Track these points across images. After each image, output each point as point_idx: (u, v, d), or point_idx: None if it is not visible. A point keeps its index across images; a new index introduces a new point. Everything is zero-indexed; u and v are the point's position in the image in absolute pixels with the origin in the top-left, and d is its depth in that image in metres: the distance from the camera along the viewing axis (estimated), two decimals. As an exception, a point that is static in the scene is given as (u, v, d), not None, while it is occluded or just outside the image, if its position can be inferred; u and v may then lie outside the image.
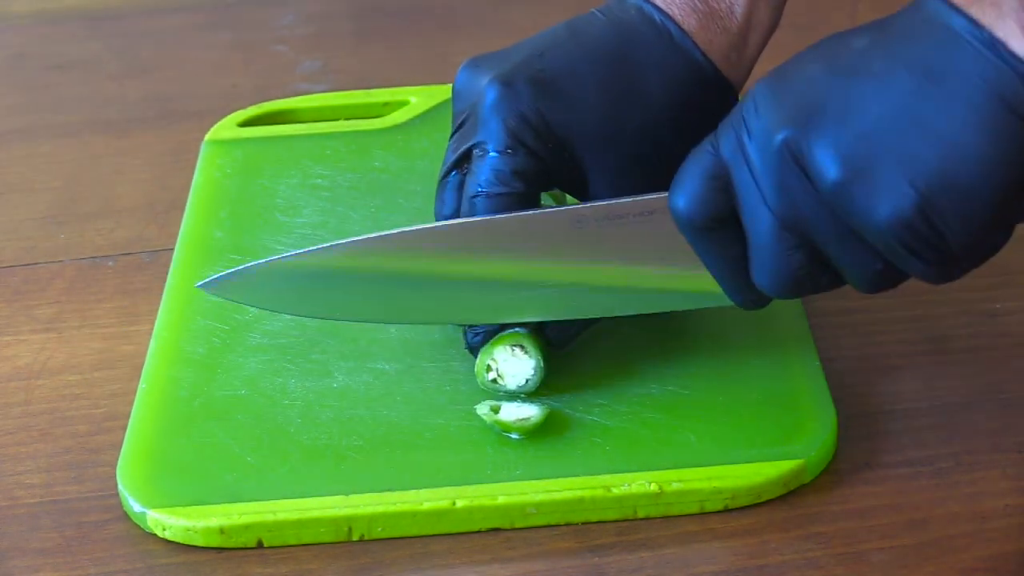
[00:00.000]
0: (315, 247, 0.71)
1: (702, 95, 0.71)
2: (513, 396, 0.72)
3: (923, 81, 0.61)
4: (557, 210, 0.69)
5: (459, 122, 0.72)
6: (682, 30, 0.71)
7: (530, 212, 0.70)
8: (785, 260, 0.64)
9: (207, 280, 0.73)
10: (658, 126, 0.71)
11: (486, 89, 0.70)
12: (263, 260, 0.72)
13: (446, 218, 0.72)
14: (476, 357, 0.73)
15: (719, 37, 0.71)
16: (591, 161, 0.70)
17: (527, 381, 0.72)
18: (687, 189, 0.65)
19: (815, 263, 0.65)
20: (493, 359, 0.72)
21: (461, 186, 0.72)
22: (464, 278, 0.71)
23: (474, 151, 0.70)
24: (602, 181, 0.71)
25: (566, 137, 0.70)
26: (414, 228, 0.71)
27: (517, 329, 0.72)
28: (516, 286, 0.71)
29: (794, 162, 0.62)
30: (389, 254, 0.71)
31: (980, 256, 0.63)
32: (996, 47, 0.59)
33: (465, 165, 0.71)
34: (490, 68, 0.71)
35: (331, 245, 0.71)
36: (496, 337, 0.72)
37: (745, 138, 0.63)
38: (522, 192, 0.69)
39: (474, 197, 0.70)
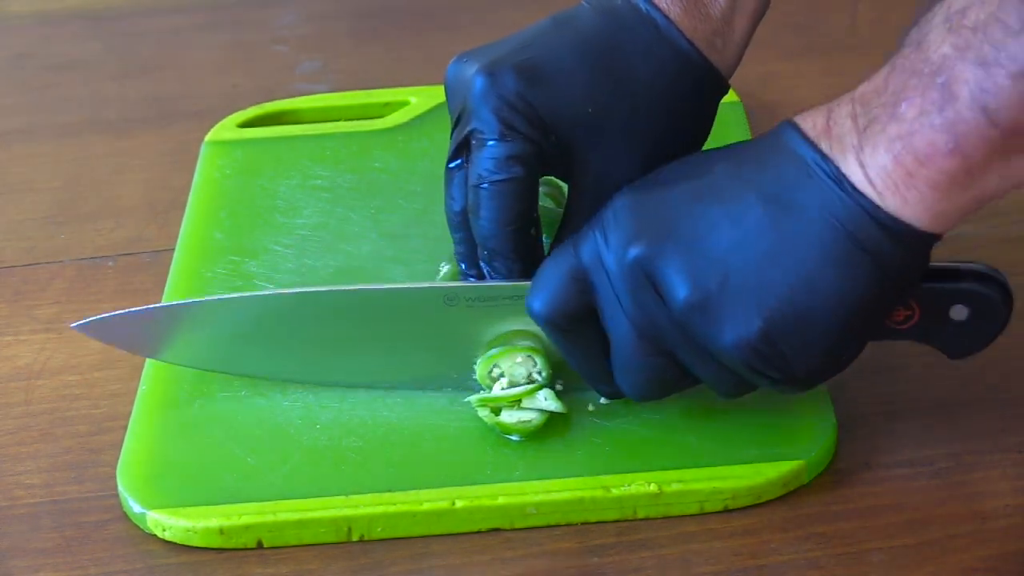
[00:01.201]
0: (188, 300, 0.74)
1: (689, 82, 0.72)
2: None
3: (773, 210, 0.63)
4: (431, 286, 0.72)
5: (455, 117, 0.73)
6: (667, 18, 0.71)
7: (404, 285, 0.72)
8: (644, 365, 0.67)
9: (83, 322, 0.74)
10: (644, 113, 0.71)
11: (472, 79, 0.71)
12: (142, 308, 0.74)
13: (456, 214, 0.73)
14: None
15: (703, 24, 0.72)
16: (578, 147, 0.71)
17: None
18: (545, 290, 0.67)
19: (674, 369, 0.67)
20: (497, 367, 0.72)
21: (466, 181, 0.72)
22: (336, 343, 0.73)
23: (471, 141, 0.71)
24: (589, 167, 0.71)
25: (553, 122, 0.71)
26: (291, 291, 0.73)
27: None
28: (388, 353, 0.73)
29: (647, 279, 0.65)
30: (264, 314, 0.73)
31: (830, 374, 0.66)
32: (841, 182, 0.62)
33: (466, 153, 0.72)
34: (476, 60, 0.71)
35: (207, 300, 0.73)
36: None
37: (603, 246, 0.66)
38: (521, 176, 0.70)
39: (477, 186, 0.70)
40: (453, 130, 0.73)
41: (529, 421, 0.71)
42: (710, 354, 0.65)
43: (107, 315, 0.73)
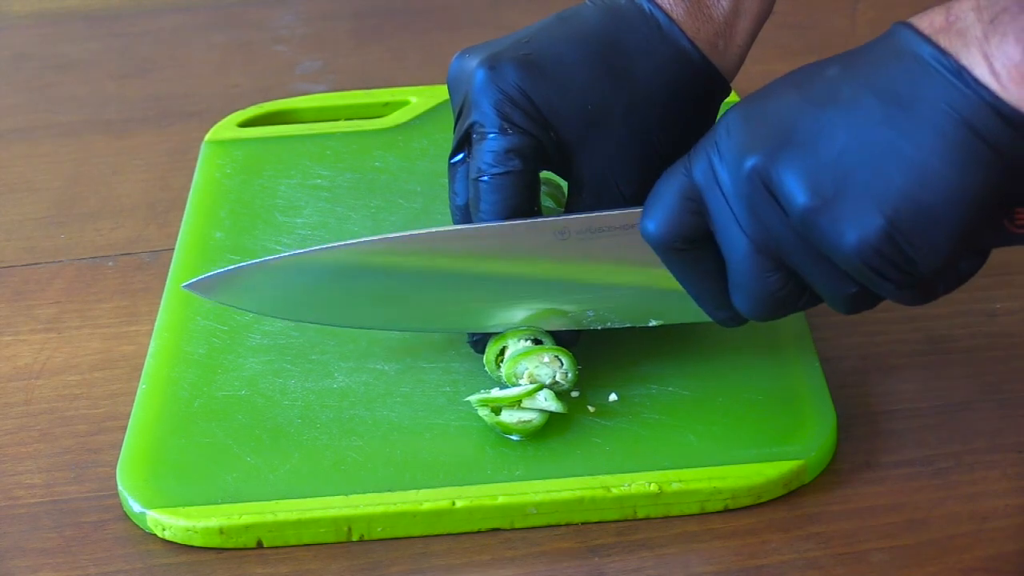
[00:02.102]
0: (305, 249, 0.72)
1: (690, 82, 0.72)
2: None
3: (891, 108, 0.62)
4: (542, 221, 0.70)
5: (457, 112, 0.73)
6: (670, 18, 0.72)
7: (515, 222, 0.70)
8: (762, 282, 0.65)
9: (195, 280, 0.73)
10: (645, 112, 0.71)
11: (474, 73, 0.71)
12: (255, 261, 0.73)
13: (460, 208, 0.73)
14: (481, 352, 0.74)
15: (705, 26, 0.72)
16: (577, 143, 0.71)
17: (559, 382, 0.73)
18: (658, 211, 0.66)
19: (792, 285, 0.65)
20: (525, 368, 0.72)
21: (467, 178, 0.72)
22: (452, 285, 0.72)
23: (472, 135, 0.71)
24: (588, 164, 0.71)
25: (552, 117, 0.71)
26: (402, 234, 0.71)
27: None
28: (502, 294, 0.72)
29: (764, 188, 0.63)
30: (379, 258, 0.71)
31: (953, 280, 0.64)
32: (962, 75, 0.60)
33: (467, 147, 0.72)
34: (478, 54, 0.72)
35: (321, 248, 0.72)
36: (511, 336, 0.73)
37: (717, 162, 0.64)
38: (520, 170, 0.70)
39: (477, 179, 0.71)
40: (456, 125, 0.73)
41: (529, 421, 0.71)
42: (832, 262, 0.63)
43: (222, 271, 0.73)
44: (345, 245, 0.72)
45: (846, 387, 0.75)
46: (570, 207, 0.72)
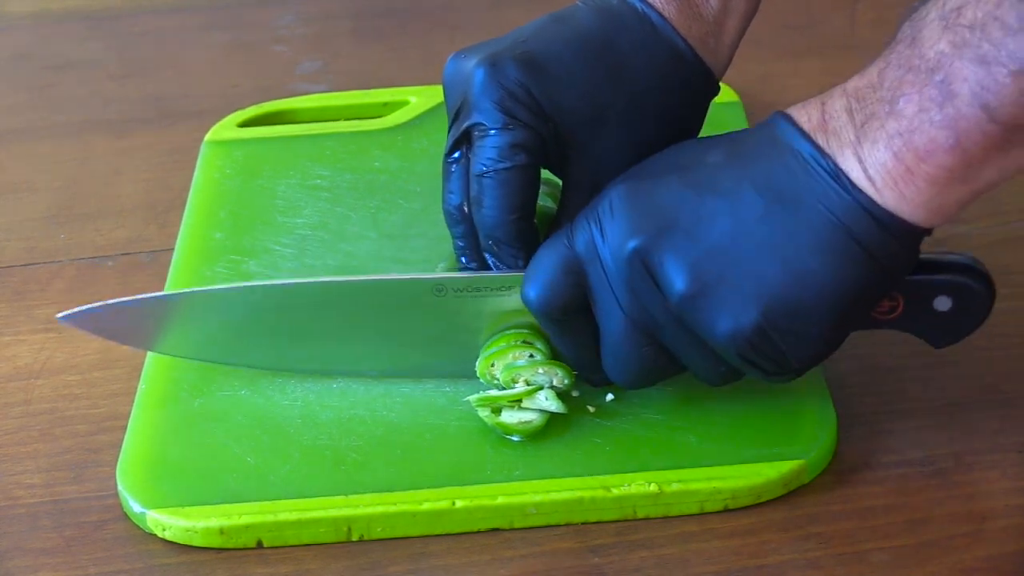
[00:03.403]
0: (188, 290, 0.74)
1: (683, 80, 0.72)
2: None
3: (770, 203, 0.63)
4: (421, 277, 0.72)
5: (454, 112, 0.73)
6: (663, 17, 0.72)
7: (395, 276, 0.72)
8: (636, 355, 0.68)
9: (72, 312, 0.73)
10: (640, 108, 0.72)
11: (473, 71, 0.71)
12: (136, 297, 0.74)
13: (456, 207, 0.73)
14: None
15: (696, 24, 0.73)
16: (574, 139, 0.72)
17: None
18: (540, 280, 0.68)
19: (663, 358, 0.68)
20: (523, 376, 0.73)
21: (464, 175, 0.72)
22: (328, 333, 0.73)
23: (473, 133, 0.71)
24: (584, 160, 0.72)
25: (552, 112, 0.71)
26: (283, 282, 0.73)
27: (523, 328, 0.73)
28: (383, 345, 0.73)
29: (644, 271, 0.65)
30: (265, 302, 0.73)
31: (817, 362, 0.66)
32: (839, 178, 0.62)
33: (465, 146, 0.72)
34: (476, 54, 0.72)
35: (208, 289, 0.73)
36: (504, 341, 0.73)
37: (599, 238, 0.66)
38: (525, 164, 0.71)
39: (481, 176, 0.71)
40: (451, 125, 0.73)
41: (530, 421, 0.71)
42: (704, 344, 0.66)
43: (94, 305, 0.73)
44: (231, 288, 0.73)
45: (846, 387, 0.75)
46: (565, 203, 0.73)
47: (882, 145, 0.61)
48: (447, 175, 0.73)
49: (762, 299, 0.63)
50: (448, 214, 0.73)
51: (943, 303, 0.69)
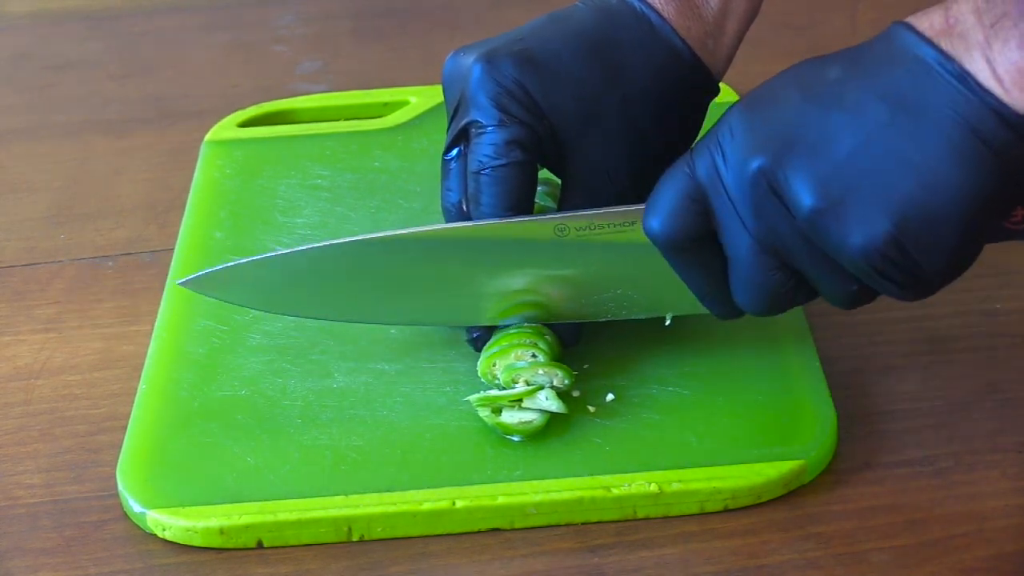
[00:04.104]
0: (303, 246, 0.72)
1: (681, 80, 0.72)
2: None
3: (896, 112, 0.62)
4: (541, 218, 0.71)
5: (452, 110, 0.73)
6: (661, 17, 0.72)
7: (515, 219, 0.71)
8: (764, 279, 0.66)
9: (191, 277, 0.74)
10: (638, 107, 0.72)
11: (470, 68, 0.71)
12: (253, 257, 0.73)
13: (454, 205, 0.73)
14: (478, 351, 0.74)
15: (696, 25, 0.72)
16: (572, 136, 0.71)
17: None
18: (663, 210, 0.66)
19: (793, 282, 0.66)
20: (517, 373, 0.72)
21: (463, 173, 0.72)
22: (451, 281, 0.72)
23: (470, 130, 0.71)
24: (582, 157, 0.72)
25: (549, 109, 0.71)
26: (401, 231, 0.72)
27: (525, 327, 0.73)
28: (501, 289, 0.72)
29: (770, 190, 0.63)
30: (377, 256, 0.72)
31: (952, 277, 0.64)
32: (966, 80, 0.61)
33: (463, 143, 0.72)
34: (473, 52, 0.72)
35: (320, 245, 0.72)
36: (506, 340, 0.73)
37: (720, 163, 0.65)
38: (522, 160, 0.70)
39: (478, 173, 0.71)
40: (450, 122, 0.73)
41: (530, 422, 0.71)
42: (835, 263, 0.64)
43: (216, 268, 0.74)
44: (342, 242, 0.72)
45: (846, 387, 0.75)
46: (563, 201, 0.73)
47: (1014, 44, 0.60)
48: (445, 173, 0.73)
49: (893, 208, 0.62)
50: (447, 211, 0.73)
51: None
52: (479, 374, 0.73)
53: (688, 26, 0.72)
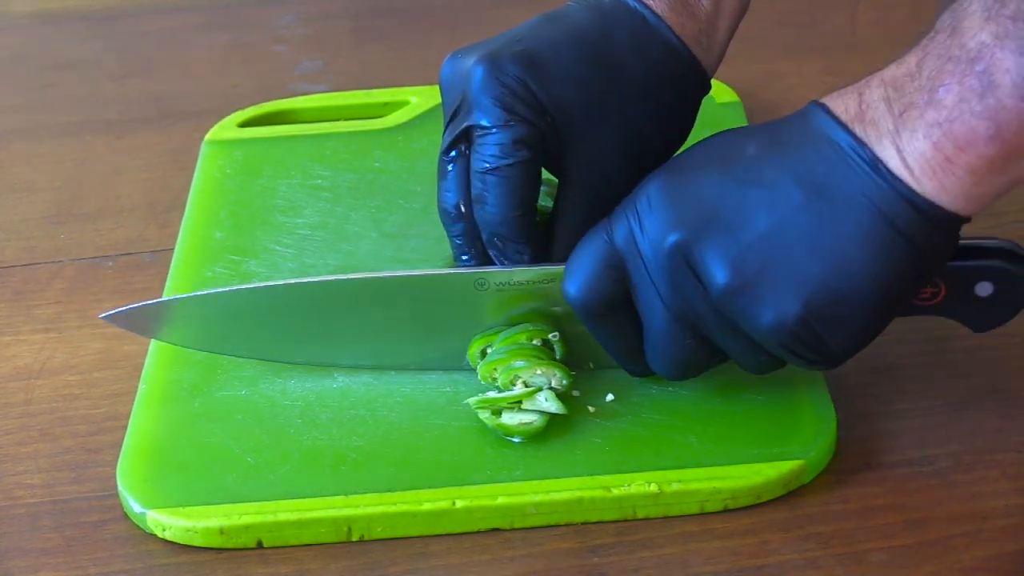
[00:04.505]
0: (220, 289, 0.74)
1: (677, 76, 0.73)
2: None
3: (810, 195, 0.63)
4: (462, 272, 0.72)
5: (451, 112, 0.73)
6: (656, 14, 0.73)
7: (435, 271, 0.73)
8: (678, 347, 0.68)
9: (114, 312, 0.74)
10: (636, 103, 0.72)
11: (472, 70, 0.72)
12: (167, 298, 0.75)
13: (454, 206, 0.73)
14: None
15: (690, 22, 0.73)
16: (573, 133, 0.72)
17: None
18: (580, 276, 0.68)
19: (706, 349, 0.68)
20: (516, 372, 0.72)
21: (460, 175, 0.73)
22: (371, 328, 0.74)
23: (473, 132, 0.71)
24: (581, 156, 0.72)
25: (550, 107, 0.71)
26: (326, 278, 0.73)
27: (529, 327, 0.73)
28: (422, 337, 0.74)
29: (685, 264, 0.65)
30: (302, 299, 0.73)
31: (858, 351, 0.67)
32: (878, 167, 0.62)
33: (463, 144, 0.72)
34: (473, 53, 0.72)
35: (247, 287, 0.73)
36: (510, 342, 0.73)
37: (639, 233, 0.66)
38: (528, 159, 0.71)
39: (484, 173, 0.71)
40: (448, 124, 0.73)
41: (530, 423, 0.71)
42: (747, 335, 0.66)
43: (137, 305, 0.74)
44: (269, 285, 0.73)
45: (846, 387, 0.75)
46: (560, 199, 0.73)
47: (921, 134, 0.61)
48: (443, 174, 0.73)
49: (804, 290, 0.64)
50: (445, 213, 0.73)
51: (984, 288, 0.69)
52: (479, 377, 0.73)
53: (682, 23, 0.73)
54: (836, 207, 0.63)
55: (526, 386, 0.71)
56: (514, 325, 0.73)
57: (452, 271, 0.73)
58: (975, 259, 0.68)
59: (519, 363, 0.72)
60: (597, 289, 0.68)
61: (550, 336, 0.73)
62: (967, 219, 0.63)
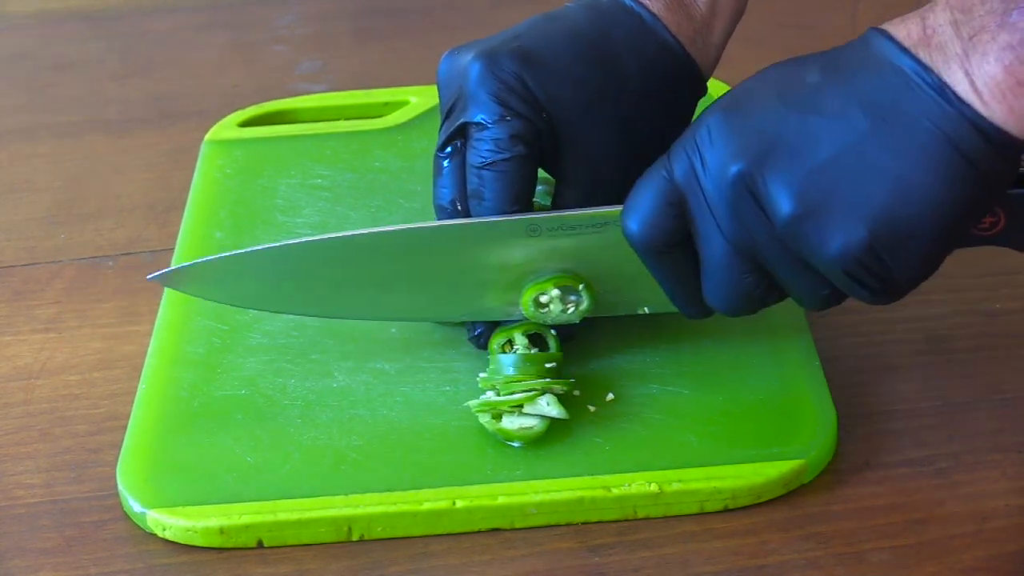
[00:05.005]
0: (278, 243, 0.73)
1: (673, 76, 0.73)
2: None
3: (874, 121, 0.63)
4: (515, 218, 0.71)
5: (448, 108, 0.73)
6: (652, 14, 0.73)
7: (490, 219, 0.71)
8: (737, 282, 0.67)
9: (163, 272, 0.74)
10: (633, 101, 0.72)
11: (470, 66, 0.72)
12: (224, 254, 0.73)
13: (449, 203, 0.73)
14: (481, 348, 0.75)
15: (686, 23, 0.73)
16: (570, 130, 0.72)
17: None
18: (641, 213, 0.67)
19: (765, 285, 0.67)
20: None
21: (456, 171, 0.73)
22: (426, 279, 0.73)
23: (471, 128, 0.71)
24: (578, 151, 0.72)
25: (547, 104, 0.71)
26: (379, 230, 0.72)
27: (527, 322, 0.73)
28: (473, 287, 0.73)
29: (748, 194, 0.64)
30: (353, 253, 0.72)
31: (920, 282, 0.65)
32: (944, 92, 0.61)
33: (459, 141, 0.72)
34: (471, 50, 0.72)
35: (296, 241, 0.72)
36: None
37: (699, 166, 0.65)
38: (524, 154, 0.71)
39: (480, 168, 0.71)
40: (444, 120, 0.73)
41: (531, 427, 0.71)
42: (809, 267, 0.65)
43: (190, 263, 0.74)
44: (322, 239, 0.72)
45: (846, 387, 0.75)
46: (557, 195, 0.73)
47: (992, 58, 0.60)
48: (439, 171, 0.74)
49: (870, 217, 0.63)
50: (440, 209, 0.73)
51: None
52: (481, 384, 0.73)
53: (679, 23, 0.73)
54: (902, 133, 0.62)
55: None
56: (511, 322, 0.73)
57: (502, 218, 0.71)
58: None
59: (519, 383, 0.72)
60: (659, 225, 0.67)
61: (551, 331, 0.73)
62: None
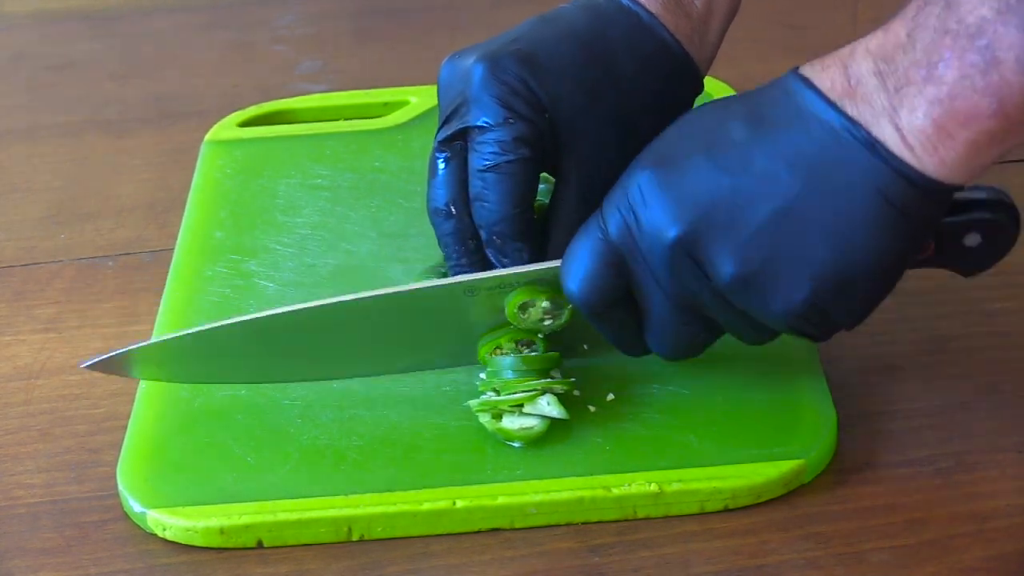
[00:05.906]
0: (211, 323, 0.72)
1: (671, 75, 0.73)
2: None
3: (808, 180, 0.63)
4: (449, 282, 0.71)
5: (448, 112, 0.73)
6: (650, 13, 0.73)
7: (423, 284, 0.72)
8: (680, 332, 0.68)
9: (95, 360, 0.72)
10: (631, 101, 0.73)
11: (472, 69, 0.72)
12: (146, 342, 0.73)
13: (446, 204, 0.73)
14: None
15: (683, 21, 0.74)
16: (568, 133, 0.72)
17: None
18: (580, 274, 0.68)
19: (708, 330, 0.69)
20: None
21: (453, 174, 0.73)
22: (374, 341, 0.73)
23: (473, 132, 0.71)
24: (579, 151, 0.72)
25: (548, 105, 0.72)
26: (312, 304, 0.71)
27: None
28: (416, 345, 0.73)
29: (688, 258, 0.65)
30: (291, 328, 0.72)
31: (862, 320, 0.67)
32: (875, 148, 0.62)
33: (459, 143, 0.72)
34: (473, 53, 0.73)
35: (218, 325, 0.72)
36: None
37: (634, 226, 0.66)
38: (528, 157, 0.71)
39: (484, 171, 0.71)
40: (443, 124, 0.73)
41: (531, 427, 0.71)
42: (752, 318, 0.66)
43: (122, 350, 0.73)
44: (254, 317, 0.71)
45: (846, 387, 0.75)
46: (557, 196, 0.73)
47: (921, 112, 0.60)
48: (434, 173, 0.73)
49: (811, 276, 0.64)
50: (436, 212, 0.73)
51: (973, 239, 0.69)
52: (480, 386, 0.73)
53: (676, 21, 0.73)
54: (835, 191, 0.63)
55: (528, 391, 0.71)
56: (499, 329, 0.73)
57: (439, 283, 0.72)
58: (963, 213, 0.68)
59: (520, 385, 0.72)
60: (599, 286, 0.68)
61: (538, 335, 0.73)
62: (961, 188, 0.63)
